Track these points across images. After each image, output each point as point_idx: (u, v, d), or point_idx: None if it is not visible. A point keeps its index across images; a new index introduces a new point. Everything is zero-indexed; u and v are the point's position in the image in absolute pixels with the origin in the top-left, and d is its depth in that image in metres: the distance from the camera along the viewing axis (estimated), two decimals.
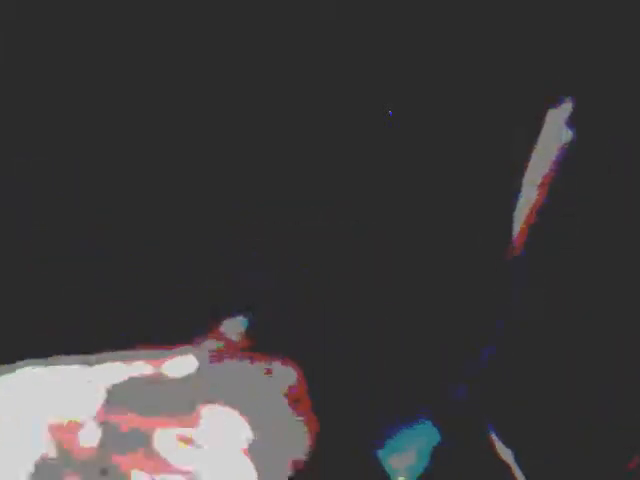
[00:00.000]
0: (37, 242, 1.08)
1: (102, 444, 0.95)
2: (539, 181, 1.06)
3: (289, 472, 0.97)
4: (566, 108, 1.06)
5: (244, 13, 1.04)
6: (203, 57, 1.04)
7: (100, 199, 1.08)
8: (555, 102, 1.06)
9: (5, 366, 0.97)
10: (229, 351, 0.99)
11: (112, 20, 1.07)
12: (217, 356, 0.98)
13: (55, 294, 1.07)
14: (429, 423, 1.03)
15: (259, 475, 0.96)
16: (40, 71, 1.08)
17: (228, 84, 1.03)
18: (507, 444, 1.03)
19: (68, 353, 1.00)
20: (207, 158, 1.03)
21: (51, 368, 0.97)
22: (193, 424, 0.97)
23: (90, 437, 0.95)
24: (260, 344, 0.99)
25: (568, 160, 1.07)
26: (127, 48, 1.06)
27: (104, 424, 0.96)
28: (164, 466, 0.96)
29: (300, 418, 0.97)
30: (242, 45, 1.03)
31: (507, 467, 1.02)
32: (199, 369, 0.98)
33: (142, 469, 0.95)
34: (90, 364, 0.99)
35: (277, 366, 0.97)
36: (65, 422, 0.96)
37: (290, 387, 0.96)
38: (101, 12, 1.07)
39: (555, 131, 1.06)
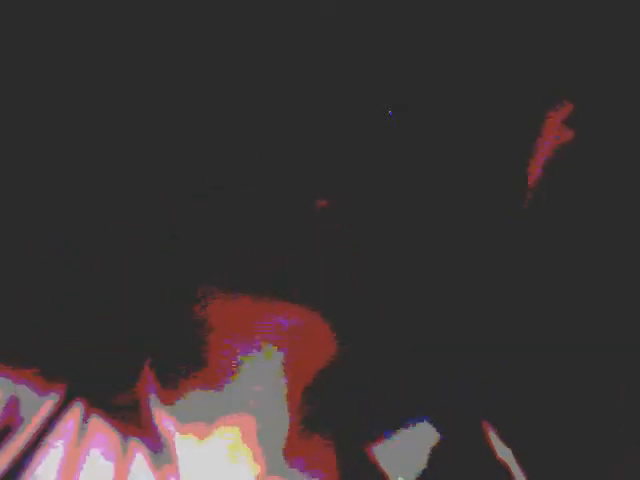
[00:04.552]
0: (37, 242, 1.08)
1: None
2: (538, 181, 1.06)
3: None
4: (566, 108, 1.06)
5: (244, 13, 1.04)
6: (203, 57, 1.04)
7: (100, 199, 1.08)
8: (555, 102, 1.06)
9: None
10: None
11: (112, 20, 1.07)
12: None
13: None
14: (429, 423, 1.03)
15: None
16: (39, 71, 1.08)
17: (229, 85, 1.03)
18: (507, 444, 1.02)
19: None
20: (206, 158, 1.04)
21: None
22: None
23: None
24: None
25: (567, 160, 1.07)
26: (127, 48, 1.07)
27: None
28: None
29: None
30: (242, 45, 1.03)
31: (506, 467, 1.02)
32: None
33: None
34: None
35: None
36: None
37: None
38: (101, 12, 1.07)
39: (555, 131, 1.06)
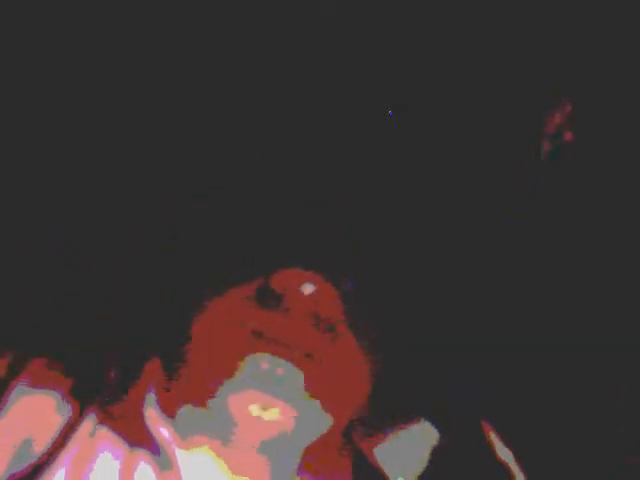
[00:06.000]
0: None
1: None
2: (537, 182, 1.06)
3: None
4: (566, 108, 1.06)
5: (244, 13, 1.04)
6: (204, 58, 1.04)
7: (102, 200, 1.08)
8: (555, 102, 1.06)
9: None
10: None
11: (112, 20, 1.07)
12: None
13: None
14: (429, 423, 1.03)
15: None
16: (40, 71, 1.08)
17: (229, 86, 1.04)
18: (507, 444, 1.03)
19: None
20: (207, 159, 1.04)
21: None
22: None
23: None
24: None
25: (567, 160, 1.07)
26: (127, 48, 1.07)
27: None
28: None
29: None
30: (242, 45, 1.04)
31: (506, 467, 1.02)
32: None
33: None
34: None
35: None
36: None
37: None
38: (101, 12, 1.07)
39: (552, 132, 1.06)
